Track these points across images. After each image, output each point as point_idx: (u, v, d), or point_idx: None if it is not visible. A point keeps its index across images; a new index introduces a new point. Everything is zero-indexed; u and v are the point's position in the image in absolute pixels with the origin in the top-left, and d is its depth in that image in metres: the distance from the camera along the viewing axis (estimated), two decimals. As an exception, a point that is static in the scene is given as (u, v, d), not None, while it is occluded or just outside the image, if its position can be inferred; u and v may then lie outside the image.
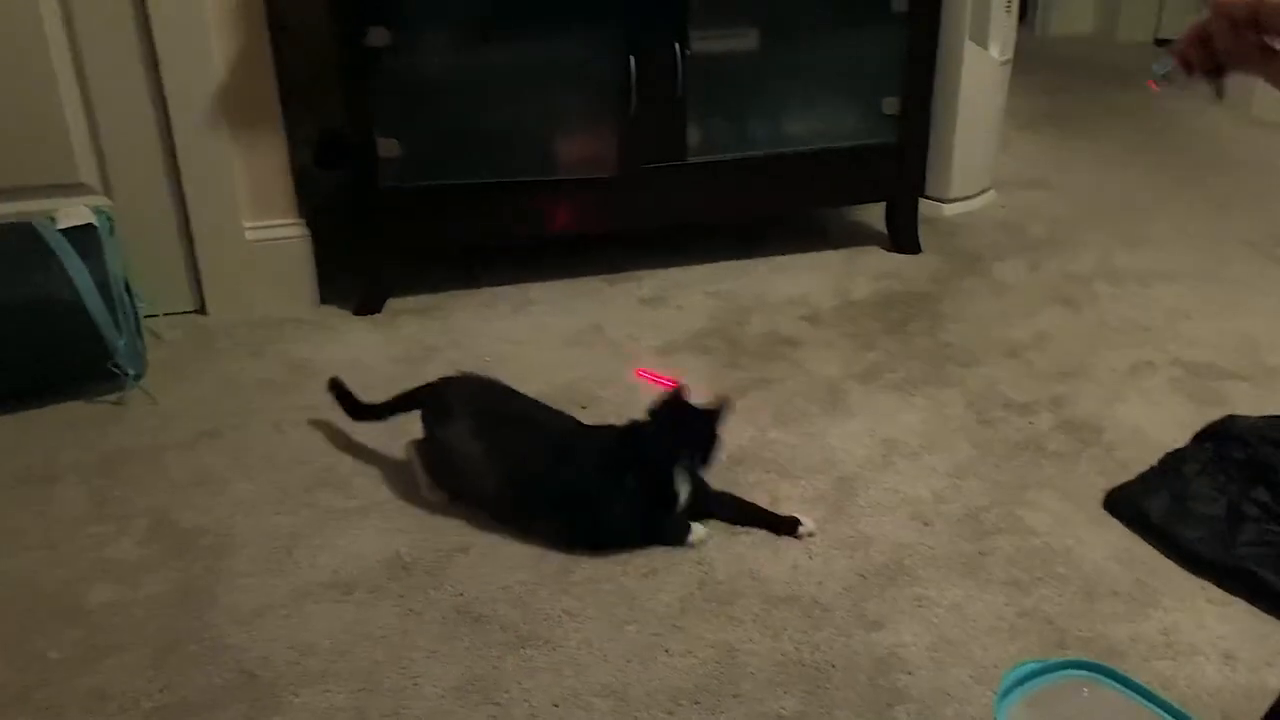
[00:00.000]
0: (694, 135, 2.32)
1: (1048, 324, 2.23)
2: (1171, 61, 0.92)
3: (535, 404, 1.74)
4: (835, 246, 2.56)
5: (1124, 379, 2.03)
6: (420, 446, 1.75)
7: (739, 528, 1.64)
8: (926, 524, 1.65)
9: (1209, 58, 0.88)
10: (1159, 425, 1.87)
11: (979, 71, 2.59)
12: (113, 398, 1.99)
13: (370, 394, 1.83)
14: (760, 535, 1.63)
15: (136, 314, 2.01)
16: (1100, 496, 1.70)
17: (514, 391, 1.76)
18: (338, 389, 1.84)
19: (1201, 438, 1.77)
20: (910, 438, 1.86)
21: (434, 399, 1.75)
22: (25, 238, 1.91)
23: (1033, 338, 2.17)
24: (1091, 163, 3.11)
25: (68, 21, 2.03)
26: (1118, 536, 1.62)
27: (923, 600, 1.50)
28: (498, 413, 1.71)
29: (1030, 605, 1.49)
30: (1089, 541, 1.61)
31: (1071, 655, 1.38)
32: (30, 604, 1.52)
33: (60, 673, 1.40)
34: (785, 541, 1.61)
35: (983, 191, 2.79)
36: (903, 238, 2.53)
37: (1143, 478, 1.72)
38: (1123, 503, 1.67)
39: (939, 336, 2.18)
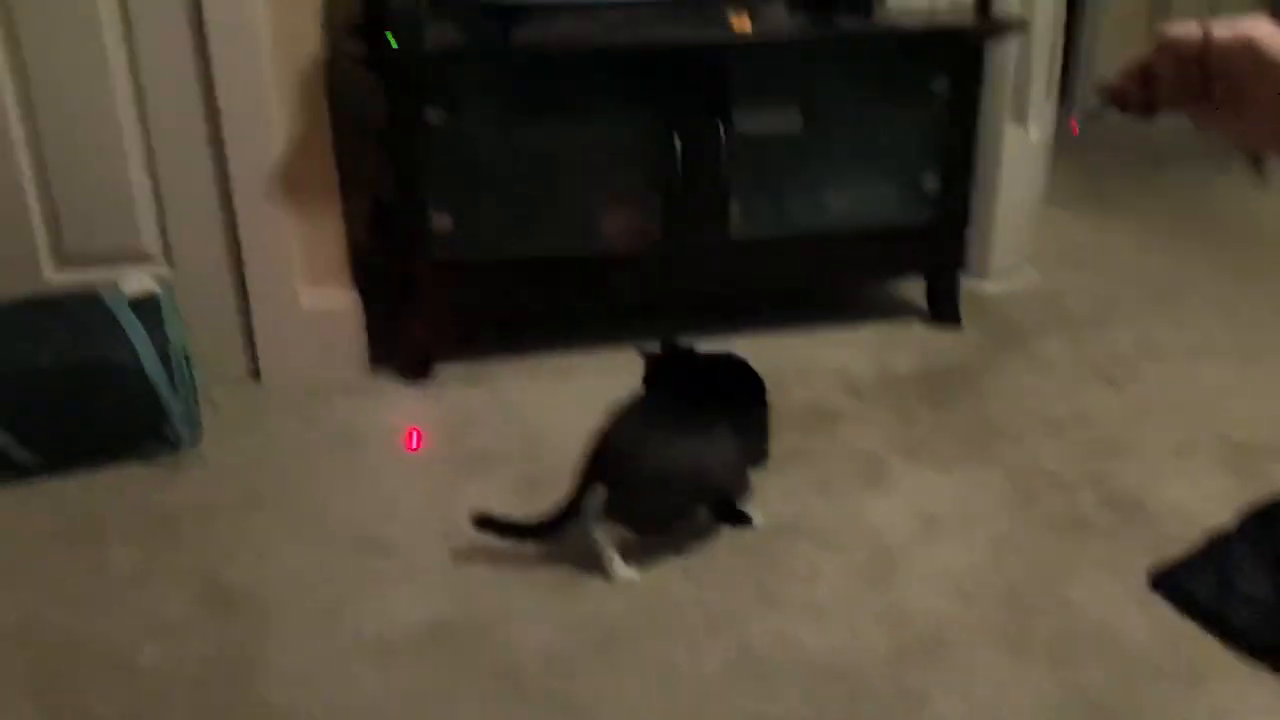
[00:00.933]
0: (736, 211, 2.37)
1: (1089, 400, 2.23)
2: (1100, 100, 0.89)
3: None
4: (876, 320, 2.58)
5: (1167, 456, 2.02)
6: (610, 514, 1.68)
7: (779, 598, 1.64)
8: (969, 599, 1.64)
9: (1146, 95, 0.86)
10: (1204, 503, 1.85)
11: (1019, 151, 2.62)
12: (167, 460, 2.04)
13: (417, 460, 1.87)
14: (801, 605, 1.63)
15: (192, 379, 2.07)
16: (1145, 574, 1.68)
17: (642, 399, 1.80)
18: (492, 524, 1.72)
19: (1247, 516, 1.76)
20: (952, 512, 1.86)
21: (610, 455, 1.70)
22: (92, 305, 1.98)
23: (1074, 414, 2.17)
24: (1131, 240, 3.12)
25: (138, 100, 2.12)
26: (1163, 615, 1.61)
27: (965, 676, 1.49)
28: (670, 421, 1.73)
29: (1074, 684, 1.48)
30: (1134, 620, 1.60)
31: (1117, 734, 1.36)
32: (81, 661, 1.55)
33: (110, 730, 1.43)
34: (825, 613, 1.61)
35: (1023, 268, 2.80)
36: (944, 312, 2.55)
37: (1188, 556, 1.70)
38: (1168, 581, 1.66)
39: (980, 411, 2.18)
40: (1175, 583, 1.65)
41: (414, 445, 1.93)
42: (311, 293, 2.30)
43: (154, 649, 1.57)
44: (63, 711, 1.46)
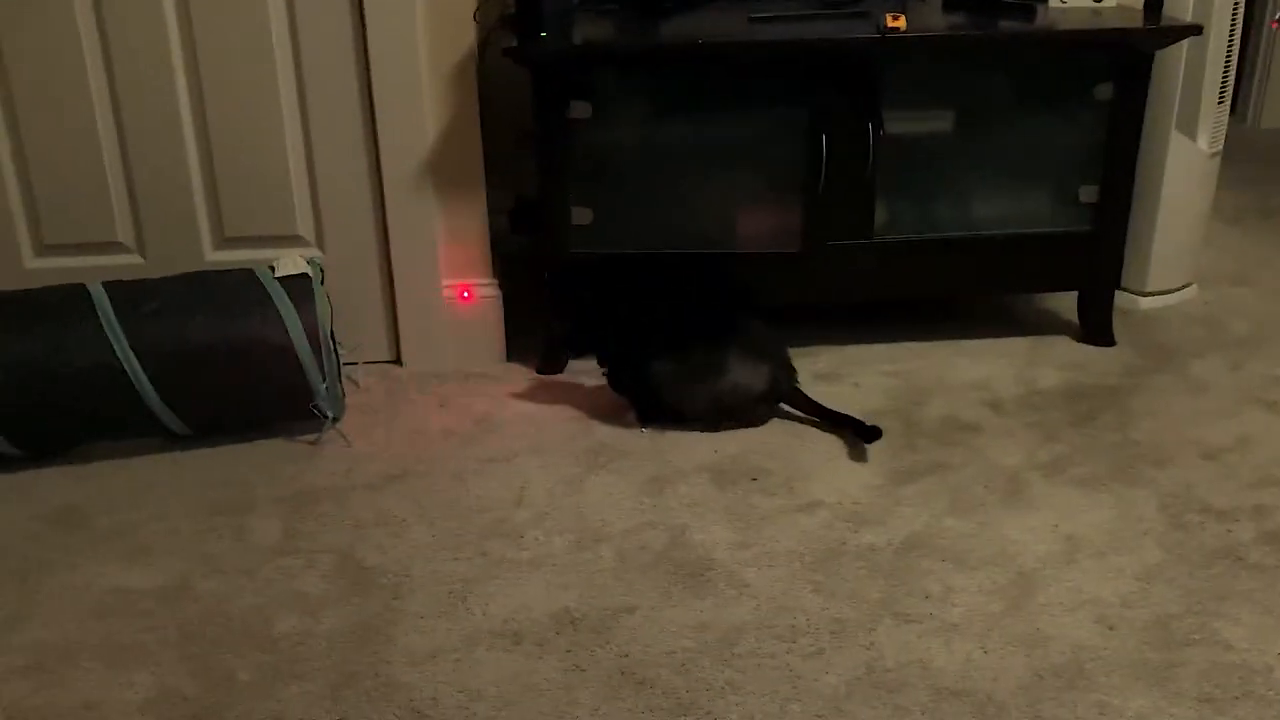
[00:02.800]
0: (882, 214, 2.32)
1: (1249, 427, 2.10)
2: None
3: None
4: (1022, 333, 2.50)
5: (1336, 491, 1.89)
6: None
7: (909, 614, 1.60)
8: (1111, 628, 1.57)
9: None
10: (1376, 544, 1.73)
11: (1185, 163, 2.50)
12: (310, 438, 2.10)
13: (549, 449, 1.88)
14: (931, 623, 1.58)
15: (338, 360, 2.13)
16: (1306, 615, 1.59)
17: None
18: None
19: None
20: (1096, 536, 1.78)
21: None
22: (246, 283, 2.06)
23: (1233, 440, 2.05)
24: (1304, 261, 2.95)
25: (300, 90, 2.20)
26: (1325, 660, 1.51)
27: (1105, 708, 1.43)
28: None
29: (1224, 725, 1.40)
30: (1292, 663, 1.50)
31: (1270, 783, 1.28)
32: (223, 626, 1.61)
33: (246, 695, 1.48)
34: (958, 632, 1.56)
35: (1184, 286, 2.67)
36: (1095, 329, 2.45)
37: (1356, 599, 1.59)
38: (1332, 624, 1.55)
39: (1129, 433, 2.09)
40: (1340, 626, 1.54)
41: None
42: (454, 282, 2.34)
43: (290, 619, 1.62)
44: (207, 672, 1.52)
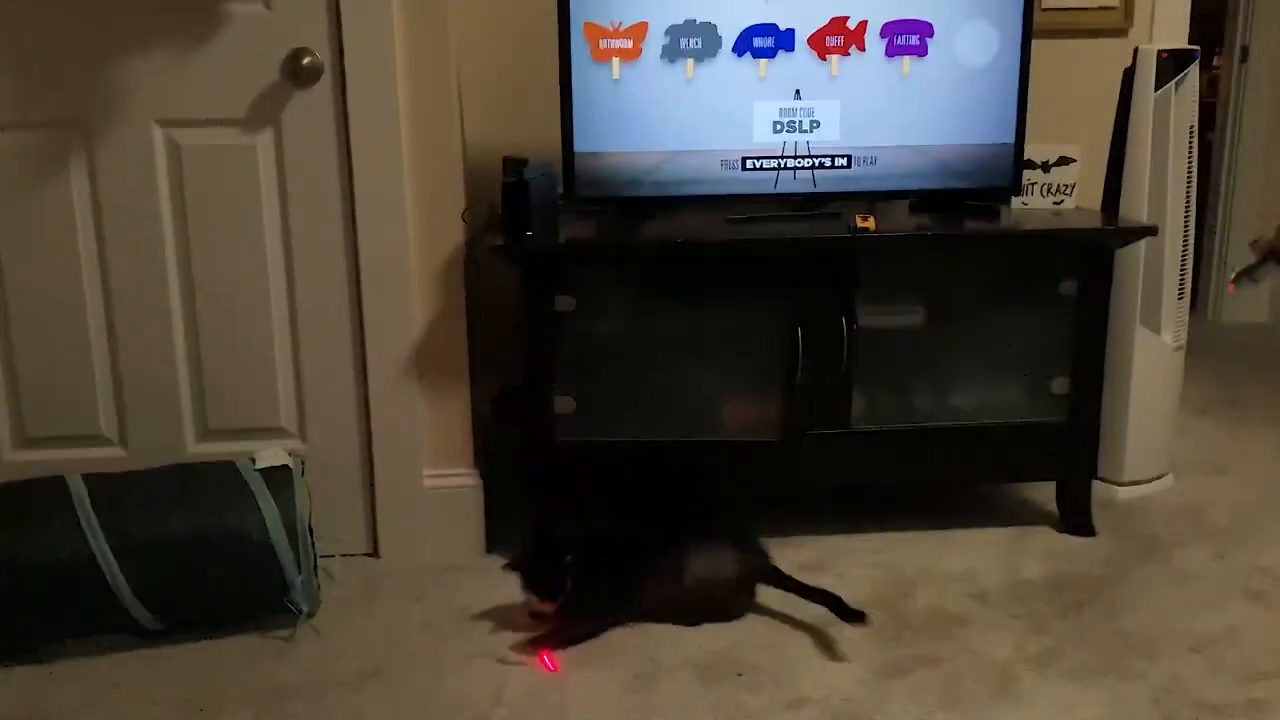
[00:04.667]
0: (859, 404, 2.35)
1: (1237, 618, 2.09)
2: (1255, 257, 0.92)
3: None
4: (1004, 523, 2.50)
5: (1329, 684, 1.87)
6: None
7: (904, 818, 1.54)
8: (1112, 831, 1.52)
9: None
10: (1374, 739, 1.70)
11: (1151, 356, 2.57)
12: (284, 633, 2.05)
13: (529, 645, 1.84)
14: (927, 828, 1.52)
15: (315, 553, 2.10)
16: (1311, 816, 1.54)
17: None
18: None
19: None
20: (1090, 732, 1.74)
21: None
22: (227, 476, 2.05)
23: (1222, 632, 2.03)
24: (1273, 450, 2.99)
25: (290, 287, 2.25)
26: None
27: None
28: None
29: None
30: None
31: None
32: (186, 836, 1.53)
33: None
34: (955, 837, 1.50)
35: (1160, 476, 2.70)
36: (1075, 519, 2.45)
37: (1360, 798, 1.55)
38: (1339, 825, 1.51)
39: (1117, 624, 2.06)
40: (1347, 828, 1.49)
41: (551, 666, 1.93)
42: (435, 473, 2.34)
43: (257, 828, 1.54)
44: None
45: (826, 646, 2.00)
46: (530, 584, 2.06)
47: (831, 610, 2.04)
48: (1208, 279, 4.35)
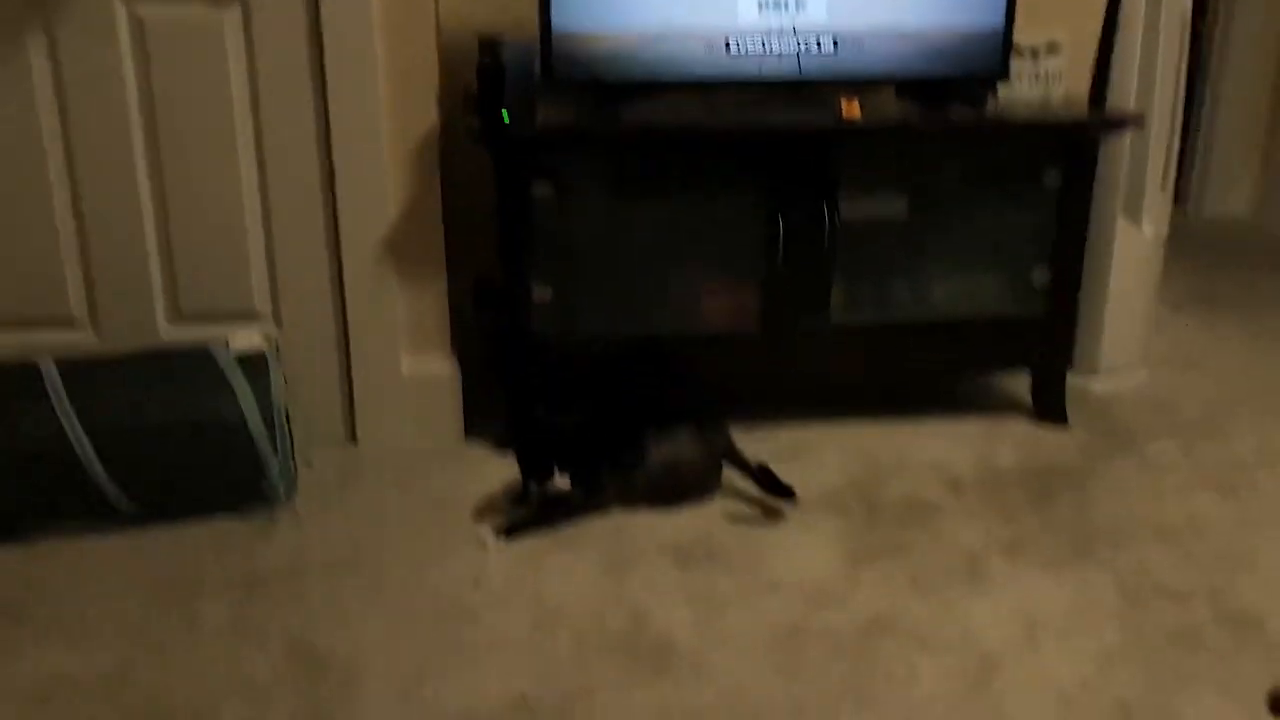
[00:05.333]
0: (839, 296, 2.35)
1: (1204, 509, 2.13)
2: None
3: None
4: (979, 413, 2.52)
5: (1289, 572, 1.91)
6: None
7: (871, 697, 1.58)
8: (1072, 710, 1.56)
9: None
10: (1330, 625, 1.75)
11: (1131, 248, 2.56)
12: (262, 518, 2.06)
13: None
14: (894, 706, 1.56)
15: (291, 439, 2.10)
16: (1263, 696, 1.58)
17: None
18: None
19: (1379, 642, 1.65)
20: (1056, 617, 1.78)
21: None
22: (201, 360, 2.03)
23: (1187, 522, 2.07)
24: (1248, 346, 3.01)
25: (260, 164, 2.19)
26: (1286, 742, 1.51)
27: (1069, 793, 1.41)
28: None
29: (1188, 809, 1.39)
30: (1253, 745, 1.50)
31: None
32: (168, 714, 1.56)
33: (190, 785, 1.42)
34: (920, 715, 1.54)
35: (1133, 369, 2.72)
36: (1050, 410, 2.48)
37: (1313, 680, 1.60)
38: (1291, 705, 1.56)
39: (1087, 514, 2.10)
40: (1299, 708, 1.55)
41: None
42: (412, 360, 2.33)
43: (238, 707, 1.57)
44: (145, 763, 1.46)
45: (800, 532, 2.03)
46: (524, 468, 2.06)
47: (762, 487, 2.10)
48: (1190, 171, 4.33)
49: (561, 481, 2.02)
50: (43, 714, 1.56)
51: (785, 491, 2.08)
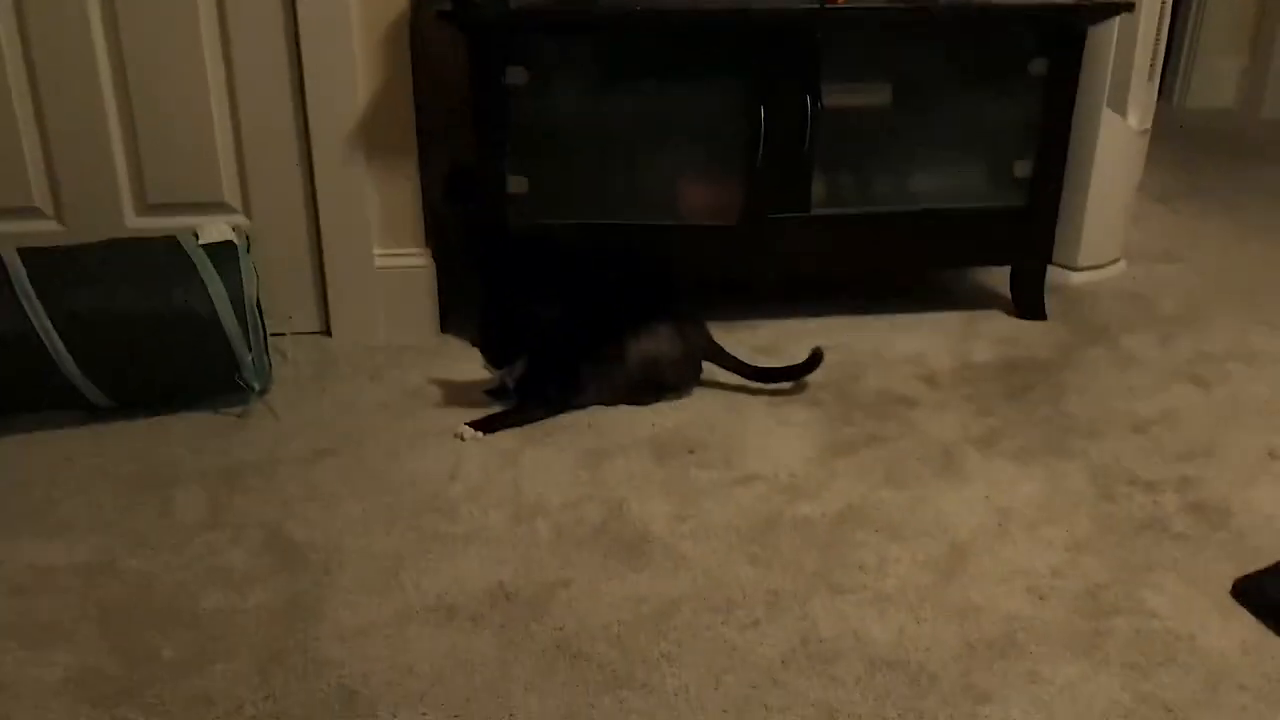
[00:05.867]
0: (819, 188, 2.31)
1: (1177, 401, 2.14)
2: None
3: None
4: (956, 308, 2.51)
5: (1257, 463, 1.94)
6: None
7: (844, 586, 1.60)
8: (1041, 598, 1.59)
9: None
10: (1295, 514, 1.78)
11: (1115, 140, 2.53)
12: (236, 410, 2.05)
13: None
14: (866, 595, 1.59)
15: (265, 331, 2.07)
16: (1228, 584, 1.62)
17: None
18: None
19: (1342, 530, 1.68)
20: (1027, 508, 1.80)
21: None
22: (170, 251, 1.99)
23: (1161, 414, 2.09)
24: (1227, 239, 3.01)
25: (225, 52, 2.13)
26: (1246, 627, 1.54)
27: (1034, 676, 1.44)
28: None
29: (1149, 691, 1.42)
30: (1214, 630, 1.53)
31: (1194, 748, 1.31)
32: (146, 603, 1.57)
33: (170, 673, 1.44)
34: (892, 603, 1.57)
35: (1113, 262, 2.71)
36: (1028, 304, 2.47)
37: (1276, 567, 1.63)
38: (1253, 592, 1.59)
39: (1061, 406, 2.11)
40: (1261, 593, 1.58)
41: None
42: (386, 252, 2.29)
43: (216, 595, 1.58)
44: (130, 650, 1.47)
45: (776, 426, 2.03)
46: (486, 355, 2.05)
47: (780, 379, 2.11)
48: (1177, 61, 4.26)
49: (515, 371, 2.03)
50: (21, 604, 1.56)
51: (810, 364, 2.11)
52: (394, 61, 2.16)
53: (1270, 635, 1.52)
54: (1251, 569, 1.64)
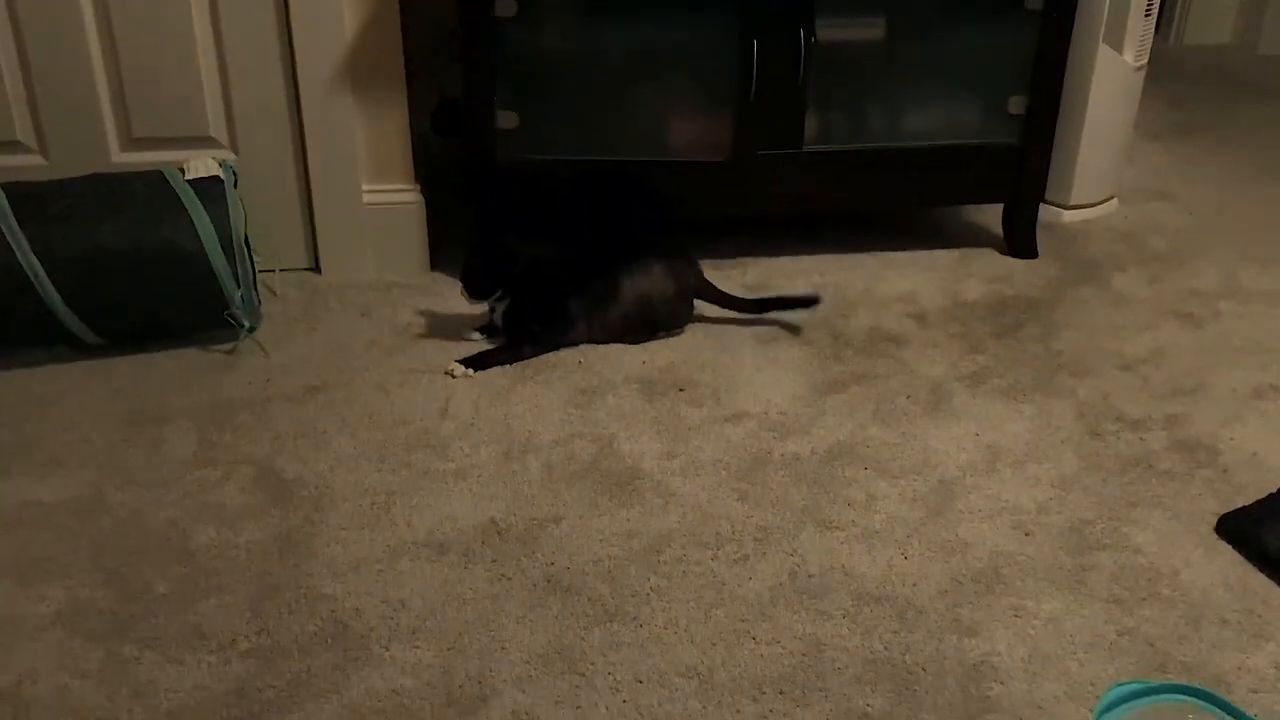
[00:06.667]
0: (812, 123, 2.29)
1: (1166, 339, 2.15)
2: None
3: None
4: (948, 246, 2.51)
5: (1244, 401, 1.95)
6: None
7: (832, 522, 1.62)
8: (1027, 534, 1.61)
9: None
10: (1279, 451, 1.79)
11: (1111, 76, 2.51)
12: (226, 347, 2.05)
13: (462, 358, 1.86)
14: (854, 530, 1.60)
15: (253, 268, 2.06)
16: (1212, 520, 1.64)
17: None
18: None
19: (1326, 468, 1.70)
20: (1015, 445, 1.81)
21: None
22: (155, 186, 1.97)
23: (1149, 352, 2.10)
24: (1220, 177, 2.99)
25: (208, -20, 2.09)
26: (1229, 563, 1.56)
27: (1019, 610, 1.46)
28: None
29: (1132, 625, 1.44)
30: (1197, 565, 1.55)
31: (1176, 680, 1.33)
32: (139, 538, 1.57)
33: (164, 607, 1.45)
34: (879, 539, 1.59)
35: (1105, 200, 2.70)
36: (1019, 242, 2.47)
37: (1260, 504, 1.65)
38: (1236, 529, 1.61)
39: (1051, 344, 2.12)
40: (1244, 530, 1.60)
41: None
42: (374, 188, 2.27)
43: (208, 531, 1.59)
44: (123, 585, 1.49)
45: (766, 364, 2.04)
46: (465, 286, 2.04)
47: (779, 308, 2.13)
48: (1175, -2, 4.21)
49: (494, 303, 2.03)
50: (14, 539, 1.57)
51: (808, 300, 2.13)
52: (381, -8, 2.13)
53: (1253, 571, 1.54)
54: (1235, 506, 1.65)
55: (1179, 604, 1.48)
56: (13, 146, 2.16)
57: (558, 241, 2.09)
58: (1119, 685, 1.20)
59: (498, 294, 2.02)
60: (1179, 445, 1.82)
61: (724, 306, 2.13)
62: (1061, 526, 1.63)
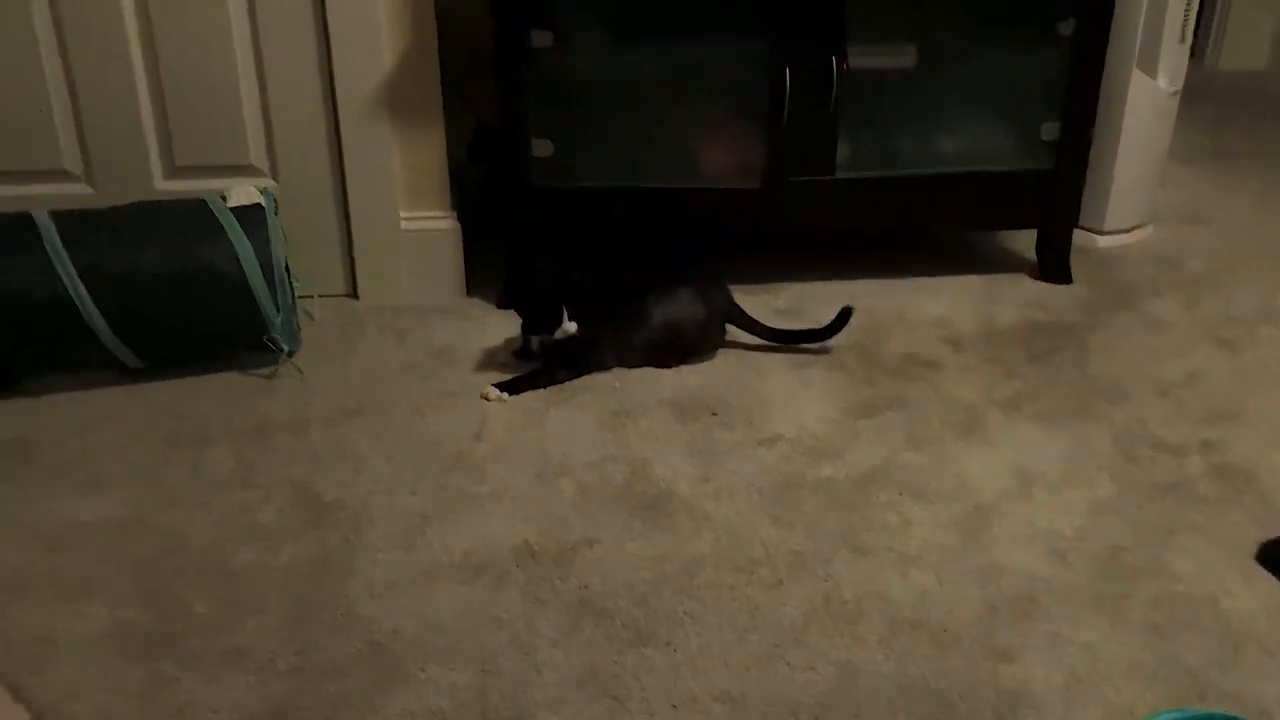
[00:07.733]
0: (844, 150, 2.30)
1: (1203, 364, 2.13)
2: None
3: None
4: (981, 271, 2.50)
5: (1284, 427, 1.93)
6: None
7: (866, 547, 1.62)
8: (1064, 559, 1.60)
9: None
10: (1321, 478, 1.77)
11: (1145, 101, 2.50)
12: (265, 371, 2.07)
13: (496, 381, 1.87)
14: (889, 555, 1.60)
15: (293, 293, 2.09)
16: (1253, 548, 1.62)
17: None
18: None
19: (1368, 495, 1.68)
20: (1051, 470, 1.80)
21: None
22: (198, 213, 2.01)
23: (1186, 377, 2.08)
24: (1257, 202, 2.97)
25: (251, 14, 2.13)
26: (1270, 590, 1.54)
27: (1056, 637, 1.45)
28: None
29: (1170, 653, 1.43)
30: (1237, 593, 1.54)
31: (1215, 709, 1.31)
32: (179, 558, 1.60)
33: (203, 627, 1.47)
34: (914, 564, 1.58)
35: (1140, 225, 2.69)
36: (1053, 267, 2.46)
37: (1300, 531, 1.63)
38: (1278, 556, 1.59)
39: (1086, 370, 2.11)
40: (1285, 558, 1.58)
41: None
42: (412, 214, 2.30)
43: (247, 552, 1.61)
44: (163, 604, 1.51)
45: (799, 387, 2.04)
46: (528, 322, 2.06)
47: (807, 341, 2.13)
48: (1209, 22, 4.19)
49: (565, 331, 2.02)
50: (55, 559, 1.60)
51: (838, 323, 2.12)
52: (419, 23, 2.16)
53: (1293, 599, 1.53)
54: (1276, 533, 1.64)
55: (1218, 632, 1.47)
56: (61, 175, 2.21)
57: (591, 267, 2.11)
58: (1158, 714, 1.18)
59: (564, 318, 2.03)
60: (1217, 471, 1.80)
61: (753, 334, 2.14)
62: (1098, 552, 1.61)
